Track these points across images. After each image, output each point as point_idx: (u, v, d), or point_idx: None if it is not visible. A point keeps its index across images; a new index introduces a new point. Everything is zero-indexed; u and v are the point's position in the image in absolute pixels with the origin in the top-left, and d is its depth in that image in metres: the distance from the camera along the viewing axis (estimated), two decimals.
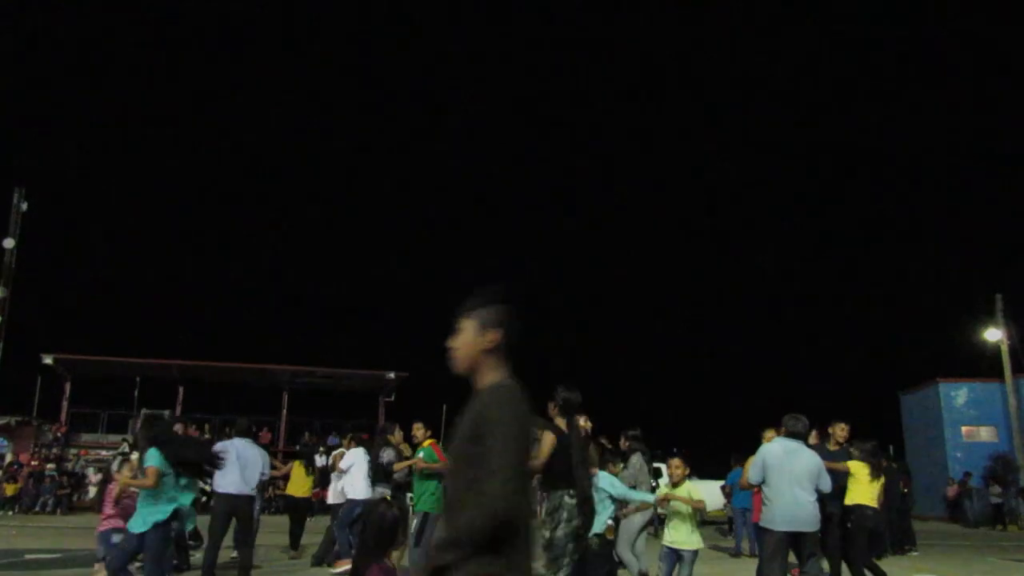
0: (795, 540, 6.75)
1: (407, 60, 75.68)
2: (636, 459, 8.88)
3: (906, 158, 67.03)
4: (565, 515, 5.46)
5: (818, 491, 6.77)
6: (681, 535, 6.82)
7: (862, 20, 69.39)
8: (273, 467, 11.06)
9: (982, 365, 28.89)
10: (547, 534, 5.46)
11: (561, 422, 5.83)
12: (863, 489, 8.28)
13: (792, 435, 6.90)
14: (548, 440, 5.53)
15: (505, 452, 2.09)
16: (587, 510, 5.70)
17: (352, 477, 9.98)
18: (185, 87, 70.57)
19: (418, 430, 9.09)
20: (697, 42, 74.01)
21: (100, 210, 63.72)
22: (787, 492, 6.62)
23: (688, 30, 72.57)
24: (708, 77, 75.75)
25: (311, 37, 73.90)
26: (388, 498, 7.75)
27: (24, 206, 24.00)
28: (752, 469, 7.00)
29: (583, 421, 8.62)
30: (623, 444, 9.38)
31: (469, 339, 2.40)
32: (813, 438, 8.40)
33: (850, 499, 8.25)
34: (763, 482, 6.80)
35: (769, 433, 9.21)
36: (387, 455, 9.38)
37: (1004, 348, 27.08)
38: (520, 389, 2.30)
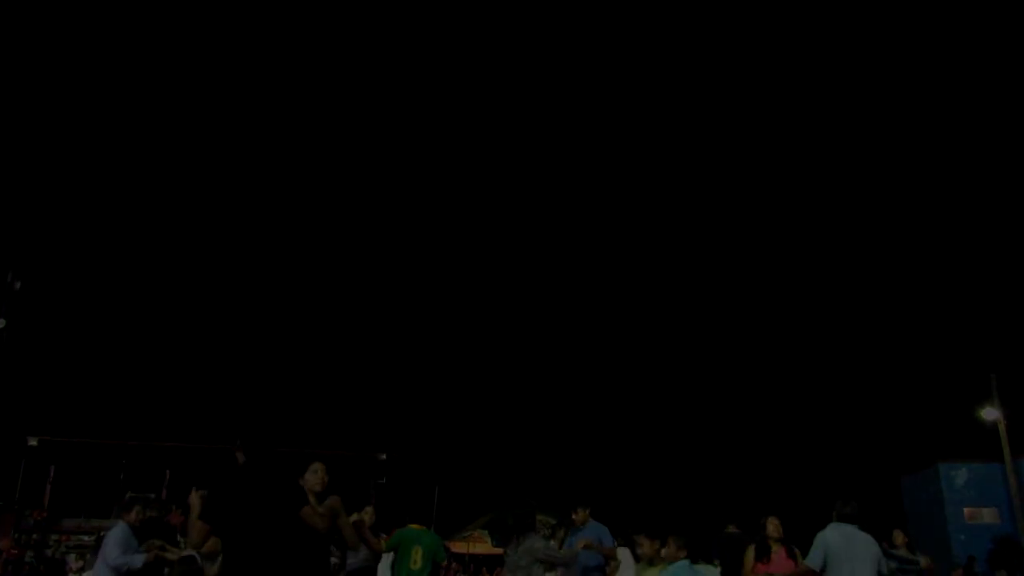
0: None
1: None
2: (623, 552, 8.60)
3: (901, 236, 68.06)
4: None
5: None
6: None
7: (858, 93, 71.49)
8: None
9: (981, 445, 28.63)
10: None
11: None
12: None
13: (844, 518, 6.87)
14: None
15: None
16: None
17: None
18: (175, 167, 71.84)
19: (366, 514, 8.51)
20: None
21: (89, 291, 63.79)
22: None
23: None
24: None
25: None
26: None
27: (18, 285, 23.99)
28: (813, 554, 6.89)
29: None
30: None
31: None
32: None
33: None
34: (823, 569, 6.74)
35: None
36: None
37: (1002, 428, 26.80)
38: None
